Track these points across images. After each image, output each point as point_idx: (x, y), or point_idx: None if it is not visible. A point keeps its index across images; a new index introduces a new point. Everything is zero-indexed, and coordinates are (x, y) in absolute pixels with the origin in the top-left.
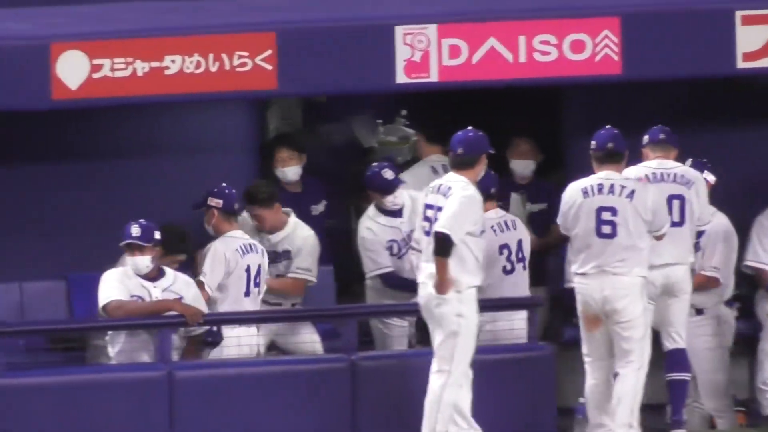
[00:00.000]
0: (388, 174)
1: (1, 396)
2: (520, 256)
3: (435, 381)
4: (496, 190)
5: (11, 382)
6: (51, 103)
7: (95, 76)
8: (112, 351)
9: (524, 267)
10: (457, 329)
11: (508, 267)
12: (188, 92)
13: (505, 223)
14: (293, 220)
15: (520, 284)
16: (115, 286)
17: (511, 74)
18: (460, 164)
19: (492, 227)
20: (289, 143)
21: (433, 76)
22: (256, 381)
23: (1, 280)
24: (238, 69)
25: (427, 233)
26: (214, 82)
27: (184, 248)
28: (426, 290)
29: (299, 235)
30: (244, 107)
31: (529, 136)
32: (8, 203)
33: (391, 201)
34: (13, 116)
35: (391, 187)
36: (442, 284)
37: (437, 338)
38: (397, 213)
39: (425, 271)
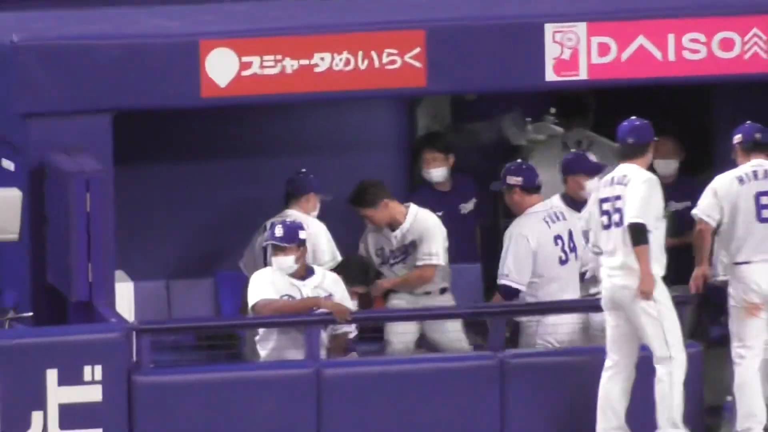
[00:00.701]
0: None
1: (149, 393)
2: (572, 245)
3: (660, 371)
4: (540, 182)
5: (159, 380)
6: (200, 101)
7: (244, 73)
8: (262, 351)
9: (576, 256)
10: (658, 315)
11: (563, 257)
12: (337, 90)
13: (555, 214)
14: (413, 210)
15: (573, 273)
16: (265, 285)
17: (660, 72)
18: (632, 153)
19: (544, 219)
20: (435, 144)
21: (583, 74)
22: (404, 378)
23: (149, 278)
24: (387, 67)
25: (607, 227)
26: (363, 80)
27: (365, 280)
28: (612, 282)
29: (420, 223)
30: (393, 105)
31: (673, 135)
32: (156, 201)
33: (589, 187)
34: (163, 114)
35: (598, 168)
36: (647, 278)
37: (647, 331)
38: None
39: (608, 265)
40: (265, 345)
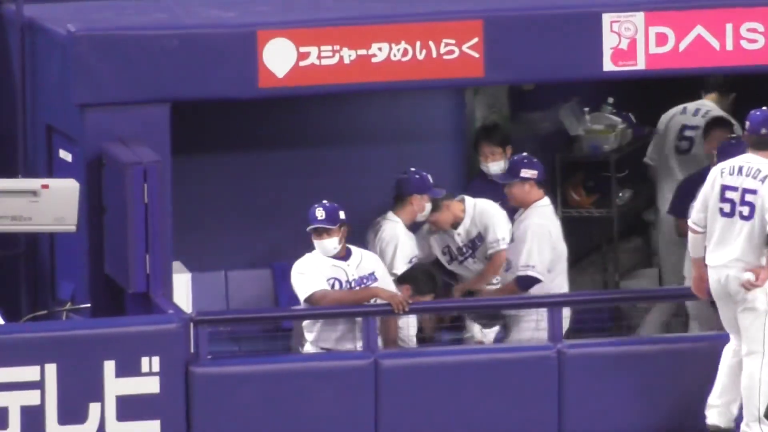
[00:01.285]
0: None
1: (207, 385)
2: None
3: (750, 364)
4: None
5: (217, 371)
6: (258, 92)
7: (302, 64)
8: (309, 335)
9: None
10: (765, 308)
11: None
12: (395, 80)
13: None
14: (469, 203)
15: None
16: (314, 274)
17: (718, 62)
18: (763, 144)
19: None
20: (492, 138)
21: (641, 64)
22: (462, 369)
23: (207, 269)
24: (445, 57)
25: (728, 215)
26: (421, 70)
27: (433, 288)
28: (727, 273)
29: (480, 214)
30: (451, 95)
31: (727, 126)
32: (214, 192)
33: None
34: (220, 105)
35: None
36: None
37: (744, 320)
38: None
39: (721, 253)
40: (311, 330)
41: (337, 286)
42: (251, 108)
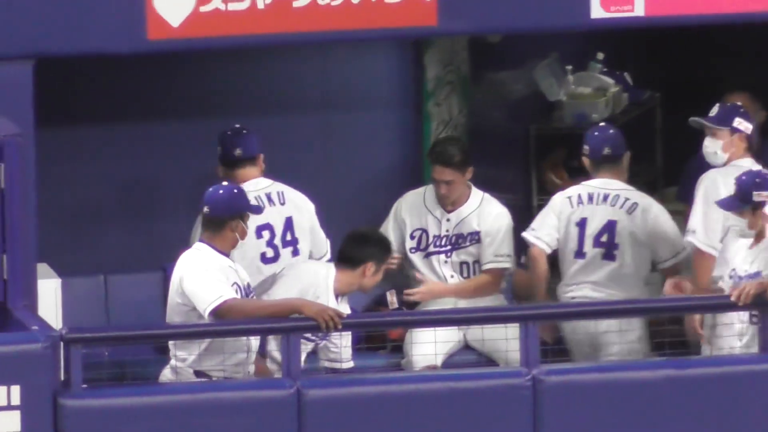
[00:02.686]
0: None
1: (81, 421)
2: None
3: None
4: None
5: (94, 404)
6: (146, 45)
7: (203, 9)
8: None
9: None
10: None
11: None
12: (322, 30)
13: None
14: (476, 193)
15: None
16: (219, 275)
17: (732, 7)
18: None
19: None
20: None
21: (638, 10)
22: (408, 401)
23: (81, 273)
24: (388, 0)
25: None
26: (357, 18)
27: (388, 252)
28: None
29: (489, 214)
30: (395, 50)
31: (748, 90)
32: (90, 175)
33: None
34: (97, 62)
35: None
36: None
37: None
38: None
39: None
40: (187, 351)
41: (239, 295)
42: (137, 66)
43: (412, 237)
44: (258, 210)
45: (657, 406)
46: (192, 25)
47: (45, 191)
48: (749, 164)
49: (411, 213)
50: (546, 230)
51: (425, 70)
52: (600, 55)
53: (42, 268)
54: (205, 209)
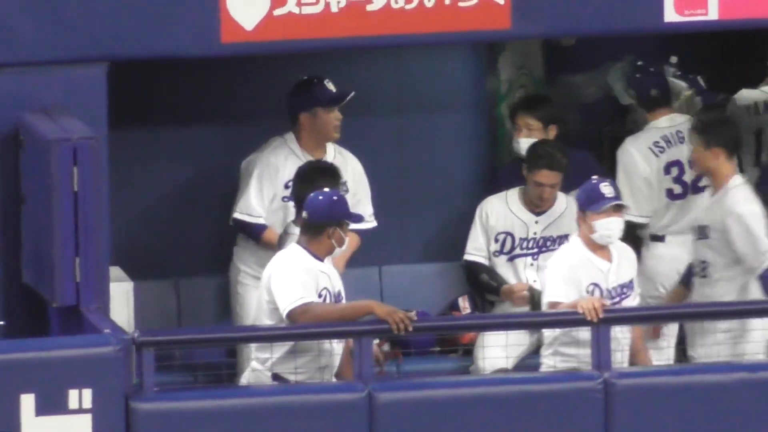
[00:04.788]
0: None
1: (154, 424)
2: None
3: None
4: None
5: (167, 407)
6: (220, 48)
7: (276, 13)
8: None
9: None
10: None
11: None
12: (395, 33)
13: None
14: (561, 194)
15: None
16: (305, 278)
17: None
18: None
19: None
20: (534, 109)
21: (712, 14)
22: (479, 404)
23: (154, 277)
24: (461, 3)
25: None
26: (431, 22)
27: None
28: None
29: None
30: (468, 53)
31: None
32: (163, 177)
33: None
34: (172, 66)
35: None
36: None
37: None
38: None
39: None
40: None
41: (327, 301)
42: (212, 69)
43: (496, 240)
44: (358, 218)
45: (732, 409)
46: (266, 29)
47: (119, 194)
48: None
49: (495, 216)
50: None
51: (499, 73)
52: (674, 59)
53: (114, 271)
54: (304, 214)
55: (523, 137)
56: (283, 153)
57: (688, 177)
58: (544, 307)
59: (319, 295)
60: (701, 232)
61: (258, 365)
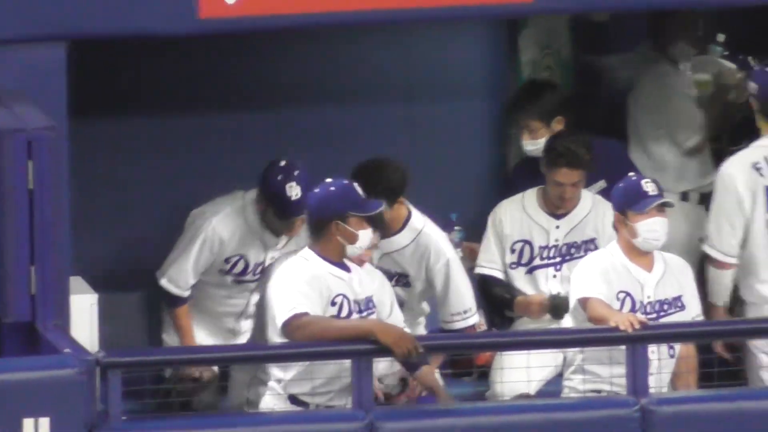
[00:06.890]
0: None
1: None
2: None
3: None
4: None
5: None
6: (198, 24)
7: None
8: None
9: None
10: None
11: None
12: (400, 8)
13: None
14: (586, 192)
15: None
16: (308, 288)
17: None
18: None
19: None
20: (528, 108)
21: None
22: None
23: (122, 288)
24: None
25: None
26: None
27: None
28: None
29: (606, 214)
30: (485, 31)
31: None
32: (134, 170)
33: None
34: (141, 45)
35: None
36: None
37: None
38: None
39: None
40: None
41: (345, 309)
42: (188, 48)
43: (512, 250)
44: (373, 207)
45: None
46: (250, 2)
47: (81, 191)
48: None
49: (511, 223)
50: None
51: (520, 53)
52: (721, 37)
53: (75, 281)
54: (305, 212)
55: (528, 140)
56: (235, 224)
57: None
58: (572, 310)
59: (333, 303)
60: None
61: (275, 385)
